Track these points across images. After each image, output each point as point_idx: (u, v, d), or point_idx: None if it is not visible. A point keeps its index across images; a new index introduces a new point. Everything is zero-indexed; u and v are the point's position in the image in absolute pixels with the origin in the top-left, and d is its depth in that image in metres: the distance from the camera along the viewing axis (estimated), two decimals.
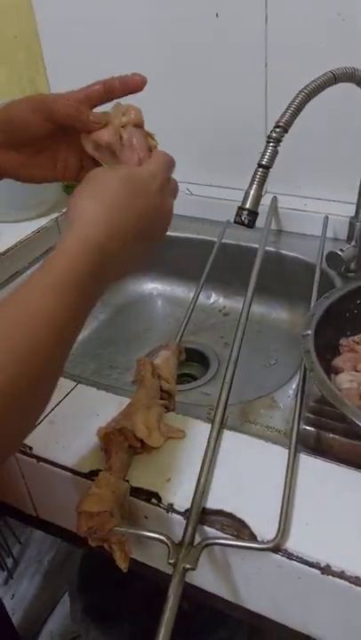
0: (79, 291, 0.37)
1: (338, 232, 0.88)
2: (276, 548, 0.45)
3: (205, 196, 0.98)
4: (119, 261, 0.42)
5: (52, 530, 0.62)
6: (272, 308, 0.92)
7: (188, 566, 0.44)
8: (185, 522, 0.47)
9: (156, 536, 0.46)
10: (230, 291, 0.94)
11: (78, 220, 0.40)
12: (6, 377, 0.33)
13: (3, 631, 1.08)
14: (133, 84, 0.48)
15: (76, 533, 0.47)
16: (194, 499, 0.48)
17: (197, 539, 0.46)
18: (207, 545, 0.46)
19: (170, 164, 0.48)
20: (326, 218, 0.88)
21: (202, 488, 0.49)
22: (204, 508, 0.48)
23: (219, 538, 0.47)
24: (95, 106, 0.49)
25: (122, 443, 0.51)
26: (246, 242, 0.91)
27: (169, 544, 0.45)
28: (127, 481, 0.50)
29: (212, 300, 0.95)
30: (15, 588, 1.34)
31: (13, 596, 1.32)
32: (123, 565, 0.49)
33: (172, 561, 0.44)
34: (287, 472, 0.50)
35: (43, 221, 0.93)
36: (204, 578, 0.51)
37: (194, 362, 0.86)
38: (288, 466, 0.50)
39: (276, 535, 0.45)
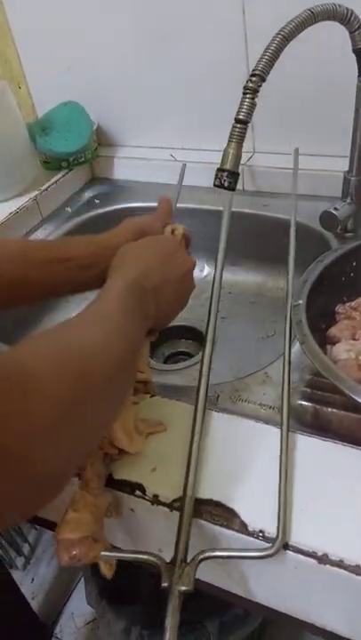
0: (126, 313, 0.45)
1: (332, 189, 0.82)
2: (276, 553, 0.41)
3: (192, 162, 0.92)
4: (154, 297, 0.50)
5: (43, 523, 0.60)
6: (269, 276, 0.87)
7: (183, 589, 0.40)
8: (174, 512, 0.44)
9: (146, 557, 0.42)
10: (224, 262, 0.88)
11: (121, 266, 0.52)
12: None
13: (22, 616, 1.08)
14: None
15: None
16: (182, 509, 0.44)
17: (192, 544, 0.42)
18: (202, 560, 0.41)
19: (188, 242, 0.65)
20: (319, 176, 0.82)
21: (191, 487, 0.45)
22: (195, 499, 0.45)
23: (215, 550, 0.42)
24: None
25: (96, 452, 0.47)
26: (238, 208, 0.85)
27: (160, 565, 0.41)
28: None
29: (205, 273, 0.90)
30: (34, 571, 1.34)
31: (33, 579, 1.33)
32: (108, 574, 0.45)
33: (165, 584, 0.40)
34: (281, 455, 0.46)
35: (21, 201, 0.89)
36: (199, 571, 0.48)
37: (189, 339, 0.82)
38: (281, 448, 0.47)
39: (277, 536, 0.41)
